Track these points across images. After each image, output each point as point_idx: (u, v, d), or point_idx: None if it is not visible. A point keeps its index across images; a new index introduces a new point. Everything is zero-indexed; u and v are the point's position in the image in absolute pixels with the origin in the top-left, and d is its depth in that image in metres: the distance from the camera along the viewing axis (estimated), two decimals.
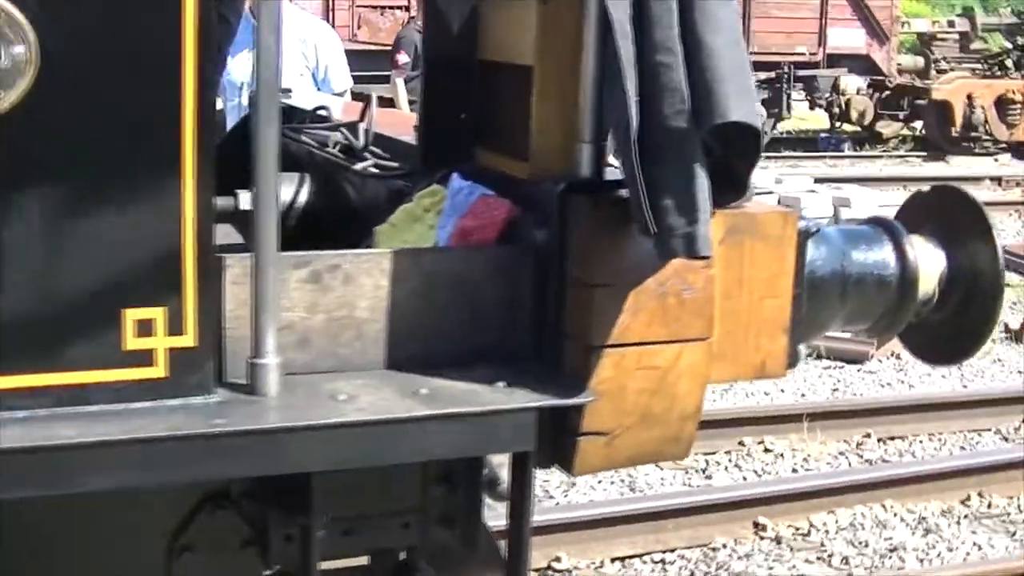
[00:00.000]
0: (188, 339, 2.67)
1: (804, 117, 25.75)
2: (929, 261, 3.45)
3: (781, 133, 24.99)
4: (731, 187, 2.92)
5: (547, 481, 7.32)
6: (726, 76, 2.68)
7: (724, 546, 6.92)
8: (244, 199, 3.64)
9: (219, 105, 7.20)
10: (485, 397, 2.81)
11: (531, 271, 2.98)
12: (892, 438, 8.79)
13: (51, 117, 2.54)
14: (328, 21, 18.72)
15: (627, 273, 2.84)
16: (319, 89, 8.09)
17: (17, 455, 2.47)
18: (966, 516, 7.48)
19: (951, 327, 3.53)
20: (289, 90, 5.12)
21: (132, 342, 2.62)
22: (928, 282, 3.44)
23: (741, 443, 8.45)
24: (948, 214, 3.55)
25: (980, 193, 17.13)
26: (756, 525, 7.10)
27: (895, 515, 7.39)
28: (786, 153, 23.29)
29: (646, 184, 2.69)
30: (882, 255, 3.41)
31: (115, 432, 2.53)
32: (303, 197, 3.89)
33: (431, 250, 3.13)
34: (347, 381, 2.84)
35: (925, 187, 3.81)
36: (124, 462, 2.54)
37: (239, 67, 7.35)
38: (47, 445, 2.49)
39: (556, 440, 2.95)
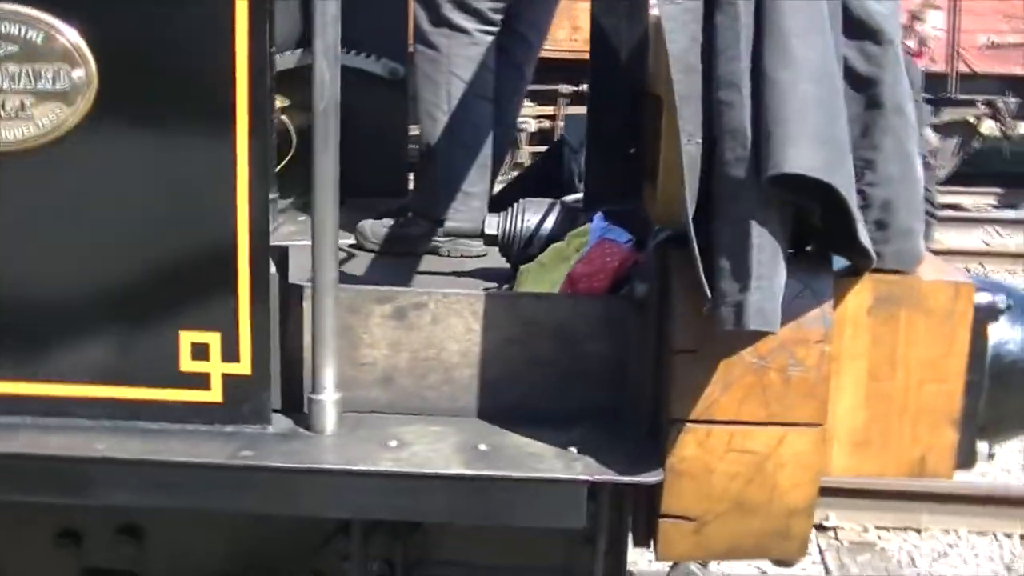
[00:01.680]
0: (243, 367, 2.70)
1: None
2: None
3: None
4: (851, 250, 2.56)
5: None
6: (789, 118, 2.31)
7: None
8: (490, 222, 3.69)
9: None
10: (543, 463, 2.62)
11: (633, 327, 2.76)
12: None
13: (110, 137, 2.65)
14: None
15: (716, 340, 2.54)
16: None
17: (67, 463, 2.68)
18: None
19: None
20: None
21: (188, 364, 2.70)
22: None
23: None
24: None
25: None
26: None
27: None
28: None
29: (701, 240, 2.41)
30: None
31: (137, 450, 2.64)
32: (549, 225, 3.81)
33: (529, 296, 2.95)
34: (417, 426, 2.77)
35: None
36: (143, 482, 2.65)
37: None
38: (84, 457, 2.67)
39: (648, 518, 2.75)
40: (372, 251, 4.17)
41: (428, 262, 4.06)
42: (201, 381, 2.72)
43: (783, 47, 2.34)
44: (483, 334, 2.81)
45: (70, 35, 2.60)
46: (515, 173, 4.92)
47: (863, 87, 2.61)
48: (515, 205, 3.68)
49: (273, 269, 2.74)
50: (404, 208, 4.31)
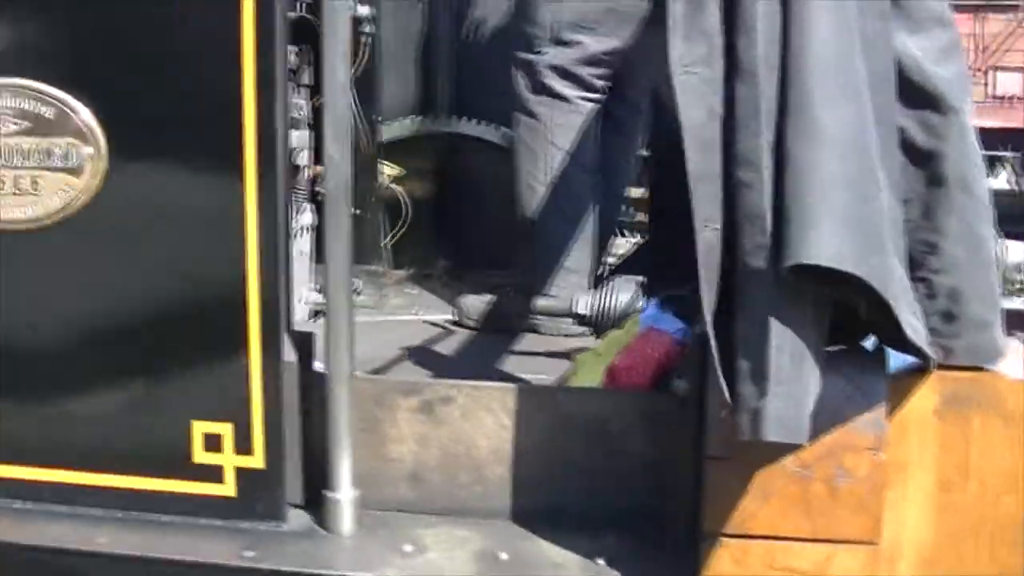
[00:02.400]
0: (256, 460, 2.59)
1: None
2: None
3: None
4: (907, 347, 2.30)
5: None
6: (808, 199, 2.08)
7: None
8: (582, 303, 3.55)
9: None
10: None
11: (674, 427, 2.53)
12: None
13: (119, 216, 2.58)
14: None
15: (753, 446, 2.31)
16: None
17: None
18: None
19: None
20: None
21: (201, 456, 2.60)
22: None
23: None
24: None
25: None
26: None
27: None
28: None
29: (720, 338, 2.19)
30: None
31: (136, 545, 2.54)
32: (640, 305, 3.63)
33: (564, 390, 2.76)
34: (441, 529, 2.60)
35: None
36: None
37: None
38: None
39: None
40: (470, 328, 4.06)
41: (529, 341, 3.92)
42: (215, 474, 2.60)
43: (806, 119, 2.10)
44: (515, 430, 2.62)
45: (82, 112, 2.55)
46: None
47: (923, 162, 2.36)
48: (606, 283, 3.53)
49: (293, 356, 2.63)
50: (504, 284, 4.19)
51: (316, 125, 3.76)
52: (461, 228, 4.83)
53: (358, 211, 4.08)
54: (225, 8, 2.50)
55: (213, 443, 2.60)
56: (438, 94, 4.89)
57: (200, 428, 2.60)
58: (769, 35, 2.16)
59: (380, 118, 4.35)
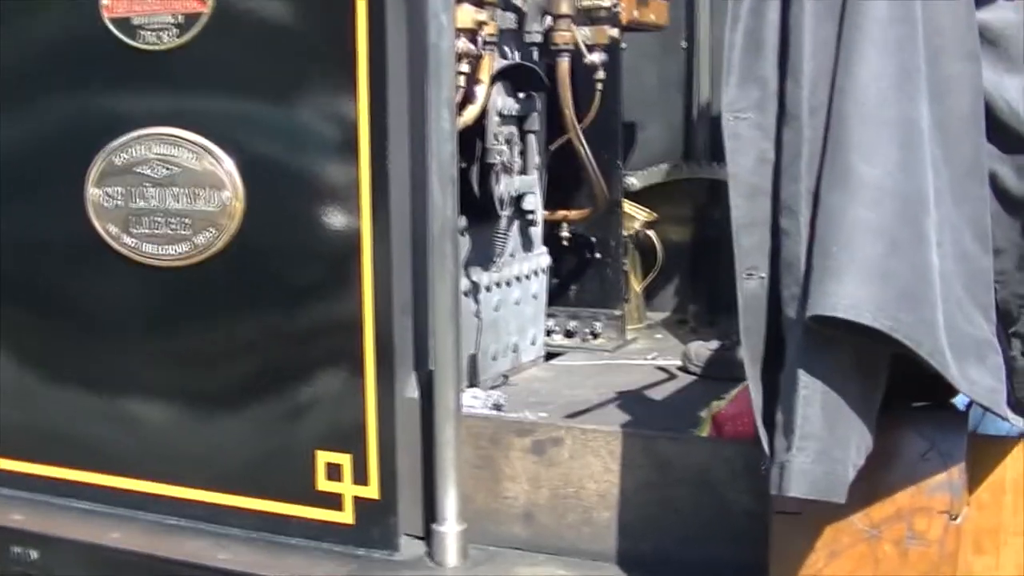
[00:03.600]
0: (372, 490, 2.77)
1: None
2: None
3: None
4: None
5: None
6: (835, 248, 2.05)
7: None
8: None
9: None
10: None
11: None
12: None
13: (253, 256, 2.86)
14: None
15: (822, 502, 2.29)
16: None
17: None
18: None
19: None
20: None
21: (323, 484, 2.81)
22: None
23: None
24: None
25: None
26: None
27: None
28: None
29: (765, 390, 2.19)
30: None
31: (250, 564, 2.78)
32: None
33: (667, 437, 2.74)
34: (544, 569, 2.70)
35: None
36: None
37: None
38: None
39: None
40: (694, 374, 4.10)
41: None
42: (335, 501, 2.81)
43: (840, 165, 2.08)
44: (620, 474, 2.69)
45: (225, 161, 2.84)
46: None
47: (1019, 210, 2.28)
48: None
49: (415, 393, 2.81)
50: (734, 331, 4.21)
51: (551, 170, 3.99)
52: (716, 274, 4.85)
53: (598, 255, 4.25)
54: (342, 84, 2.74)
55: (334, 472, 2.80)
56: (696, 139, 4.96)
57: (323, 457, 2.81)
58: (816, 77, 2.16)
59: (621, 164, 4.46)
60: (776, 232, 2.19)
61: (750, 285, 2.21)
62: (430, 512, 2.80)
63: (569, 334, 4.28)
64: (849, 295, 2.04)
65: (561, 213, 4.14)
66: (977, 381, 2.18)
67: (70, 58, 3.06)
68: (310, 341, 2.83)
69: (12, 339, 3.25)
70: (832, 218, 2.08)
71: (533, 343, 3.89)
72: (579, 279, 4.33)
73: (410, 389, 2.80)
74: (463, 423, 2.79)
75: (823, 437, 2.11)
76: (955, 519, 2.25)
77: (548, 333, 4.20)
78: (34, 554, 3.03)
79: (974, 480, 2.36)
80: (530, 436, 2.78)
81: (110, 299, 3.07)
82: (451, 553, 2.74)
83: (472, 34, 3.15)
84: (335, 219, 2.76)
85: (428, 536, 2.80)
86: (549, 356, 4.03)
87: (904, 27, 2.13)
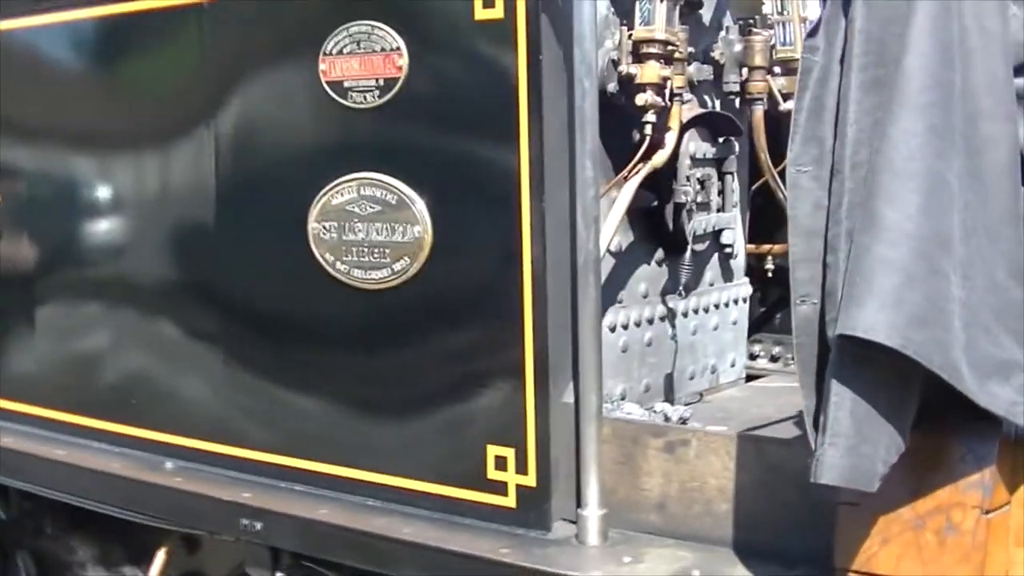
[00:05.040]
0: (530, 479, 3.39)
1: None
2: None
3: None
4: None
5: None
6: (859, 280, 2.52)
7: None
8: None
9: None
10: None
11: None
12: None
13: (439, 282, 3.53)
14: None
15: (878, 494, 2.73)
16: None
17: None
18: None
19: None
20: None
21: (492, 473, 3.45)
22: None
23: None
24: None
25: None
26: None
27: None
28: None
29: (817, 395, 2.69)
30: None
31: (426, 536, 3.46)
32: None
33: (775, 441, 3.24)
34: (664, 550, 3.26)
35: None
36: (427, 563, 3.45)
37: None
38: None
39: None
40: None
41: None
42: (502, 488, 3.44)
43: (869, 211, 2.56)
44: (736, 473, 3.23)
45: (417, 202, 3.52)
46: None
47: None
48: None
49: (571, 398, 3.41)
50: None
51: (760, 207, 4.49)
52: None
53: None
54: (506, 140, 3.37)
55: (501, 463, 3.43)
56: None
57: (492, 451, 3.45)
58: (859, 137, 2.66)
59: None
60: (824, 266, 2.72)
61: (803, 309, 2.74)
62: (578, 499, 3.39)
63: (774, 359, 4.75)
64: (867, 318, 2.54)
65: (766, 247, 4.63)
66: (997, 395, 2.63)
67: (295, 114, 3.82)
68: (481, 354, 3.48)
69: (238, 347, 4.09)
70: (859, 254, 2.58)
71: (733, 365, 4.39)
72: (784, 308, 4.77)
73: (567, 395, 3.41)
74: (609, 425, 3.39)
75: (850, 435, 2.60)
76: (987, 513, 2.70)
77: (753, 357, 4.68)
78: (258, 525, 3.82)
79: (1018, 480, 2.81)
80: (663, 437, 3.35)
81: (325, 316, 3.82)
82: (592, 534, 3.32)
83: (658, 88, 3.63)
84: (501, 252, 3.39)
85: (576, 520, 3.39)
86: (751, 378, 4.50)
87: (937, 92, 2.61)
